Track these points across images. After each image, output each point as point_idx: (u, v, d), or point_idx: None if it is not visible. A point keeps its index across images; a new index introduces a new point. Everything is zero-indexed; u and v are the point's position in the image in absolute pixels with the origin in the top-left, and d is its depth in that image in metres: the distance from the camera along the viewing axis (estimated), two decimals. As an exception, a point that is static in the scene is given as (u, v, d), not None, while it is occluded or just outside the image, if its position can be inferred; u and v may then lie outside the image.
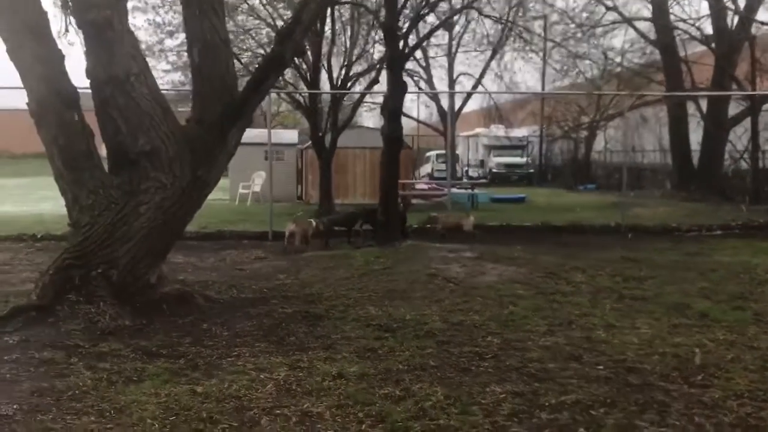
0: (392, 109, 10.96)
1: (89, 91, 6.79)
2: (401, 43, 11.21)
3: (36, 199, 19.21)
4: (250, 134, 12.16)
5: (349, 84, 18.12)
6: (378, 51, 19.39)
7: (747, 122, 22.91)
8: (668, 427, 3.98)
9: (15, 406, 4.22)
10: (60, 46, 6.83)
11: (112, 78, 6.39)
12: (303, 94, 17.50)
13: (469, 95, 30.35)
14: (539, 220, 14.91)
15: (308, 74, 16.80)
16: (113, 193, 6.70)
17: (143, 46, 16.99)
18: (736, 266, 9.23)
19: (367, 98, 21.64)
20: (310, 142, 21.29)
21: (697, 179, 24.22)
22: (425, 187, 24.48)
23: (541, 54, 24.90)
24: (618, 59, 27.22)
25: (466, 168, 38.09)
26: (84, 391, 4.48)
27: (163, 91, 7.40)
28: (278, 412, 4.19)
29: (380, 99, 30.07)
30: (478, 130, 38.04)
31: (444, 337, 5.82)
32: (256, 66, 11.41)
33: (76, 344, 5.52)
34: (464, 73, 34.43)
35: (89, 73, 6.55)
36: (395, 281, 8.14)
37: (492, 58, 31.00)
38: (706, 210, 17.95)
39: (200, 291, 7.44)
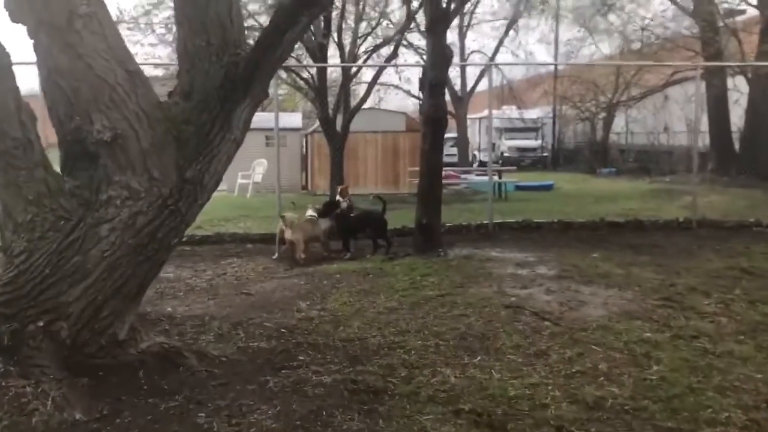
0: (434, 81, 8.58)
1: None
2: (444, 2, 8.82)
3: None
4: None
5: (361, 60, 15.92)
6: (391, 24, 17.15)
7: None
8: None
9: None
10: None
11: (45, 23, 4.00)
12: (310, 71, 15.16)
13: (482, 72, 28.02)
14: (590, 213, 12.58)
15: (315, 48, 14.44)
16: (64, 204, 4.42)
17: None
18: None
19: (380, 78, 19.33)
20: (315, 126, 19.15)
21: (739, 162, 22.11)
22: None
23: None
24: (645, 31, 25.12)
25: (475, 152, 35.80)
26: None
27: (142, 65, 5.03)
28: None
29: (388, 78, 28.15)
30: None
31: (591, 439, 3.58)
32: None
33: (-17, 474, 3.27)
34: (476, 51, 32.29)
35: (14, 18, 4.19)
36: (464, 317, 5.87)
37: (507, 31, 28.93)
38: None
39: (193, 344, 5.19)
